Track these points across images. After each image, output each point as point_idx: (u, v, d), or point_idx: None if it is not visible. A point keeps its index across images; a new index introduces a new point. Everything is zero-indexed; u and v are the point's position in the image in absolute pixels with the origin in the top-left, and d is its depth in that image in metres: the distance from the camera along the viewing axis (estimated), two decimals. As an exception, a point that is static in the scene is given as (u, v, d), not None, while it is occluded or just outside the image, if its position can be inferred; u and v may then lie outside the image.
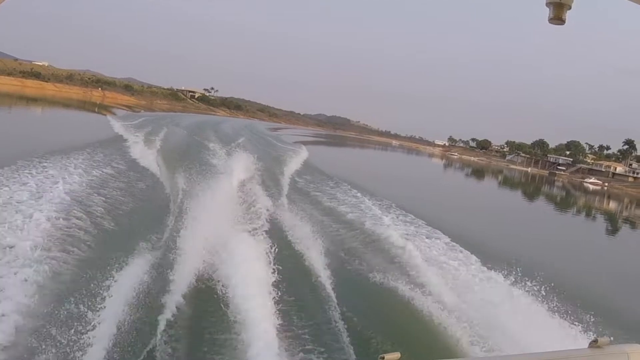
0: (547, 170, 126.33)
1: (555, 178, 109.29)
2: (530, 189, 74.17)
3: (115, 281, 7.60)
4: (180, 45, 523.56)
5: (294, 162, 29.10)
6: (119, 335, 6.31)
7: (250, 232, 11.05)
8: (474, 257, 12.65)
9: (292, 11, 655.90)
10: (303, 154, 35.64)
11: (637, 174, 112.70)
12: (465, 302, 9.34)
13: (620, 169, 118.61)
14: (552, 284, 9.61)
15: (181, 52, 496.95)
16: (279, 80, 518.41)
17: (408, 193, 30.59)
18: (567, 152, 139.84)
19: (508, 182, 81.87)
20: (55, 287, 7.41)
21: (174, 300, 7.36)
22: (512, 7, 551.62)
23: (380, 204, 18.51)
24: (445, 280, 10.53)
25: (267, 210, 13.93)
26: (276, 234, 12.21)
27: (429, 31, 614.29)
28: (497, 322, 8.29)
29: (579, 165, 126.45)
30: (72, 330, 6.24)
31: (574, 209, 51.77)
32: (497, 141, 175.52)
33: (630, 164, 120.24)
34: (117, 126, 34.58)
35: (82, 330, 6.28)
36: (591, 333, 7.97)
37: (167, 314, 7.03)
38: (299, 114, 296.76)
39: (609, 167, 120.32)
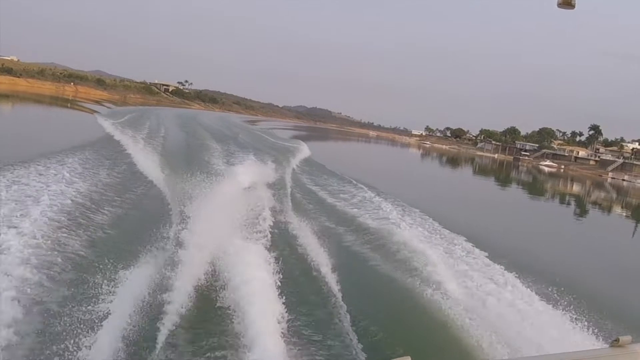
0: (513, 156, 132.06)
1: (519, 163, 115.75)
2: (501, 175, 77.16)
3: (115, 287, 7.52)
4: (150, 36, 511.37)
5: (296, 159, 29.46)
6: (121, 342, 6.29)
7: (254, 234, 10.88)
8: (483, 255, 12.42)
9: (272, 1, 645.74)
10: (304, 150, 35.75)
11: (599, 157, 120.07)
12: (478, 303, 9.19)
13: (583, 153, 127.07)
14: (565, 282, 9.59)
15: (152, 43, 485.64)
16: (256, 72, 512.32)
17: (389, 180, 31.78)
18: (537, 139, 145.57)
19: (479, 169, 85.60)
20: (52, 295, 7.26)
21: (176, 305, 7.24)
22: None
23: (386, 200, 18.16)
24: (457, 279, 10.31)
25: (271, 211, 13.64)
26: (281, 235, 12.08)
27: (411, 21, 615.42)
28: (514, 323, 8.23)
29: (543, 151, 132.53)
30: (71, 340, 6.09)
31: (544, 193, 53.70)
32: (475, 130, 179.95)
33: (597, 149, 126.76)
34: (106, 125, 33.35)
35: (82, 340, 6.12)
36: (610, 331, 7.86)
37: (170, 320, 6.94)
38: (277, 106, 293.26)
39: (572, 151, 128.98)
